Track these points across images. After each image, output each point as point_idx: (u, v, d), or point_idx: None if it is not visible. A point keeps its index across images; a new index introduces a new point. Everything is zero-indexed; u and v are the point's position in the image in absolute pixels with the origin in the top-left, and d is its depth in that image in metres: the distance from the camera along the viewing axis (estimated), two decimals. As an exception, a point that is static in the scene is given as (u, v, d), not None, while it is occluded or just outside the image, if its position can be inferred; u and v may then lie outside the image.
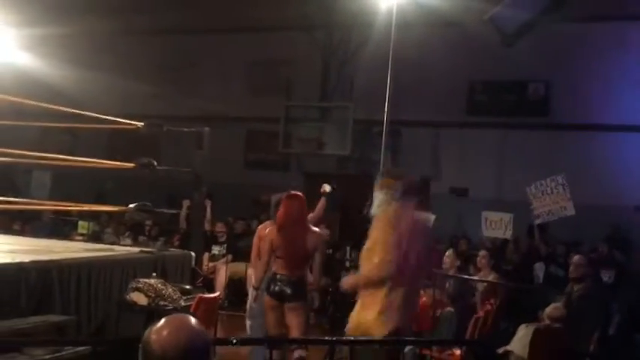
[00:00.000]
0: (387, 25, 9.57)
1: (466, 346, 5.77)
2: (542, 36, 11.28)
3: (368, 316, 4.09)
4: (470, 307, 7.07)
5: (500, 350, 5.11)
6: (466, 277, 7.63)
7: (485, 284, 7.22)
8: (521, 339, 5.01)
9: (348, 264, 8.19)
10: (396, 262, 3.94)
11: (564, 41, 11.68)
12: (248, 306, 5.93)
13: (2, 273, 4.38)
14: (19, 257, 4.99)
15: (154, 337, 1.69)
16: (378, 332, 4.03)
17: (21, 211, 10.78)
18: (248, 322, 5.93)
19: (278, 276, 5.06)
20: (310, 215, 5.86)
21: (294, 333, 5.03)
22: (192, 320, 1.75)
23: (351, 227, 10.72)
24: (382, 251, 4.01)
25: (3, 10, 10.39)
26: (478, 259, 7.88)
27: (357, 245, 8.83)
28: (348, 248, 8.73)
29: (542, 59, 11.76)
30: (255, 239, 6.21)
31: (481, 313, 6.64)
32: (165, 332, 1.69)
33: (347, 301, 8.09)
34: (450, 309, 6.90)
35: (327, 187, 6.98)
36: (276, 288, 5.09)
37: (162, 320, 1.73)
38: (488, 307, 6.80)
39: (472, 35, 11.04)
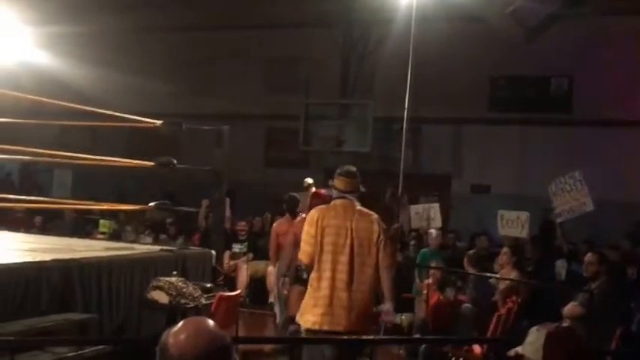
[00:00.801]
0: (407, 20, 9.47)
1: (487, 344, 5.70)
2: (565, 30, 11.13)
3: None
4: (490, 305, 6.99)
5: (512, 353, 5.01)
6: (488, 274, 7.54)
7: (506, 282, 7.12)
8: (532, 343, 4.91)
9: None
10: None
11: (587, 35, 11.49)
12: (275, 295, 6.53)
13: (24, 272, 4.40)
14: (40, 256, 5.02)
15: (171, 340, 1.65)
16: None
17: (43, 210, 10.87)
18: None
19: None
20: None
21: None
22: (211, 323, 1.71)
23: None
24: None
25: (20, 8, 10.47)
26: (500, 256, 7.79)
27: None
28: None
29: (564, 54, 11.58)
30: (273, 235, 6.76)
31: (503, 311, 6.56)
32: (182, 336, 1.65)
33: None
34: (467, 305, 6.82)
35: (308, 180, 7.52)
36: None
37: (180, 323, 1.69)
38: (510, 304, 6.72)
39: (494, 30, 10.91)
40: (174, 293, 5.34)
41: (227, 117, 10.46)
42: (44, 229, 10.30)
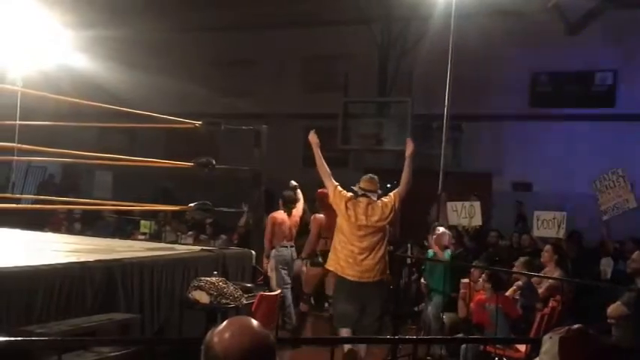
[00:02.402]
0: (446, 16, 9.35)
1: (531, 343, 5.57)
2: (608, 23, 10.85)
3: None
4: (533, 305, 6.83)
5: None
6: (530, 273, 7.36)
7: (550, 280, 6.95)
8: (548, 351, 4.76)
9: (409, 261, 8.01)
10: None
11: (632, 28, 11.18)
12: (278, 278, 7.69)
13: (68, 272, 4.43)
14: (83, 257, 5.05)
15: (215, 339, 1.66)
16: None
17: (84, 211, 11.04)
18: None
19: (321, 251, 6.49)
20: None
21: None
22: (255, 322, 1.71)
23: (412, 224, 10.53)
24: None
25: (61, 12, 10.64)
26: (542, 254, 7.61)
27: (419, 242, 8.67)
28: (409, 245, 8.55)
29: (608, 48, 11.30)
30: (270, 225, 7.77)
31: (546, 310, 6.41)
32: (227, 334, 1.66)
33: (409, 299, 7.99)
34: (491, 301, 6.65)
35: (292, 183, 8.20)
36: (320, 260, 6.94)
37: (224, 322, 1.70)
38: (554, 304, 6.55)
39: (535, 24, 10.71)
40: (215, 293, 5.34)
41: (265, 116, 10.48)
42: (85, 230, 10.47)
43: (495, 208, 12.02)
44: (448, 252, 7.38)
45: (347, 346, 5.64)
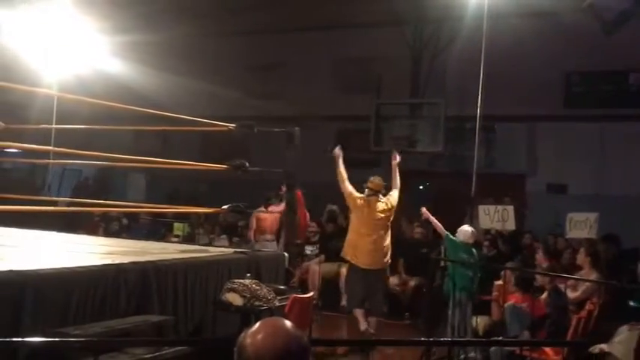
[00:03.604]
0: (478, 17, 9.23)
1: (567, 347, 5.46)
2: (642, 23, 10.59)
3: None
4: (565, 307, 6.70)
5: (596, 350, 4.73)
6: (567, 276, 7.22)
7: (586, 283, 6.82)
8: (623, 342, 4.65)
9: (442, 263, 7.92)
10: None
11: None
12: None
13: (103, 274, 4.47)
14: (118, 259, 5.09)
15: (248, 340, 1.65)
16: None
17: (119, 213, 11.17)
18: None
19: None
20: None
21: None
22: (288, 323, 1.71)
23: (446, 226, 10.42)
24: None
25: (96, 18, 10.81)
26: (578, 256, 7.48)
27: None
28: (442, 248, 8.45)
29: (643, 47, 11.04)
30: (254, 220, 9.06)
31: (583, 314, 6.29)
32: (260, 336, 1.65)
33: (442, 301, 7.90)
34: (510, 303, 6.53)
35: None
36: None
37: (257, 324, 1.70)
38: (590, 307, 6.43)
39: (568, 24, 10.51)
40: (249, 295, 5.33)
41: (296, 119, 10.47)
42: (119, 232, 10.58)
43: (529, 210, 11.84)
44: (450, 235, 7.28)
45: (363, 326, 6.80)
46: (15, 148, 8.28)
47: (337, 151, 7.47)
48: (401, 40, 12.73)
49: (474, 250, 7.30)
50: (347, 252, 7.26)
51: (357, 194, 7.18)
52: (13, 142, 6.48)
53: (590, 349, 4.61)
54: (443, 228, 7.36)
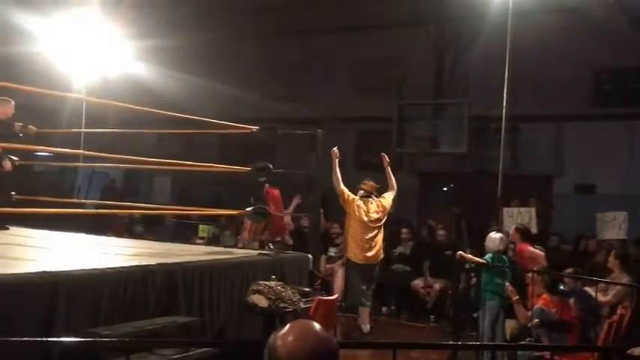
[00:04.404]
0: (501, 14, 9.16)
1: (600, 352, 5.37)
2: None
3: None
4: (596, 311, 6.60)
5: (635, 352, 4.65)
6: (598, 279, 7.11)
7: (617, 287, 6.69)
8: None
9: (468, 265, 7.86)
10: None
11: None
12: None
13: (131, 275, 4.52)
14: (145, 260, 5.15)
15: (279, 342, 1.67)
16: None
17: (145, 216, 11.28)
18: None
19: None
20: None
21: None
22: (317, 325, 1.72)
23: (471, 228, 10.36)
24: None
25: (121, 24, 10.97)
26: (609, 259, 7.34)
27: (477, 246, 8.48)
28: (467, 250, 8.38)
29: (673, 43, 10.83)
30: (247, 220, 8.79)
31: (615, 318, 6.18)
32: (290, 338, 1.67)
33: (468, 304, 7.84)
34: (538, 306, 6.45)
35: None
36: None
37: (287, 326, 1.71)
38: (622, 311, 6.31)
39: (596, 20, 10.37)
40: (274, 297, 5.35)
41: (318, 121, 10.48)
42: (146, 234, 10.68)
43: (557, 211, 11.69)
44: (489, 255, 7.19)
45: (365, 328, 7.67)
46: (46, 152, 8.44)
47: (335, 150, 7.68)
48: (423, 40, 12.67)
49: (504, 257, 7.23)
50: (344, 250, 8.04)
51: (352, 195, 7.74)
52: (45, 145, 6.60)
53: (629, 351, 4.53)
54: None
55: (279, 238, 9.10)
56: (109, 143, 9.68)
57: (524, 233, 7.66)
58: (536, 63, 10.89)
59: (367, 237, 7.66)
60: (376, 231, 7.73)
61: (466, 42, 12.36)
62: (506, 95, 8.66)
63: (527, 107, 11.11)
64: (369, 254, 7.69)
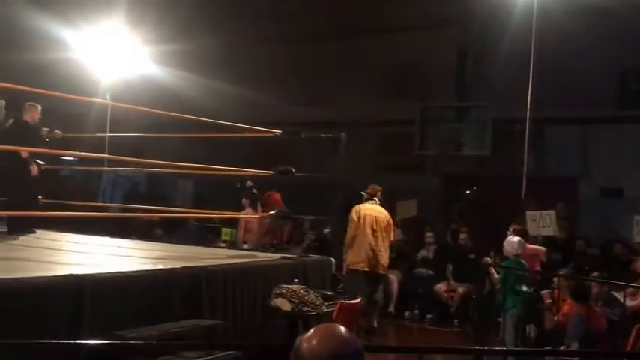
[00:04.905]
0: (525, 16, 9.09)
1: (630, 358, 5.28)
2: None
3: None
4: (624, 316, 6.49)
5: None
6: (625, 283, 7.00)
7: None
8: None
9: (493, 269, 7.77)
10: None
11: None
12: None
13: (157, 279, 4.56)
14: (170, 263, 5.18)
15: (304, 345, 1.66)
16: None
17: (168, 219, 11.36)
18: None
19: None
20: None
21: None
22: (343, 329, 1.71)
23: (494, 230, 10.25)
24: None
25: (143, 30, 11.09)
26: (637, 264, 7.26)
27: (502, 249, 8.39)
28: (492, 253, 8.30)
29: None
30: (242, 221, 9.53)
31: (644, 323, 6.06)
32: (316, 341, 1.66)
33: (491, 308, 7.76)
34: (575, 311, 6.35)
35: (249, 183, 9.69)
36: None
37: (313, 329, 1.71)
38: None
39: (622, 20, 10.22)
40: (297, 301, 5.35)
41: (340, 124, 10.48)
42: (169, 238, 10.75)
43: (583, 215, 11.52)
44: (508, 260, 7.10)
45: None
46: (72, 156, 8.56)
47: None
48: (446, 43, 12.60)
49: (522, 261, 7.15)
50: (345, 257, 7.73)
51: (358, 212, 7.62)
52: (71, 150, 6.69)
53: None
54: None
55: (276, 241, 9.70)
56: (134, 147, 9.79)
57: (521, 233, 7.57)
58: (560, 64, 10.75)
59: (368, 244, 7.51)
60: (380, 240, 7.58)
61: (490, 44, 12.26)
62: (531, 97, 8.57)
63: (552, 109, 10.98)
64: (371, 262, 7.50)
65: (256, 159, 9.54)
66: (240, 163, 9.42)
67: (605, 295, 6.90)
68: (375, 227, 7.51)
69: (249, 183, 9.76)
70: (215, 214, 10.07)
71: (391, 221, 7.73)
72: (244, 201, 9.86)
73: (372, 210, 7.59)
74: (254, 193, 9.73)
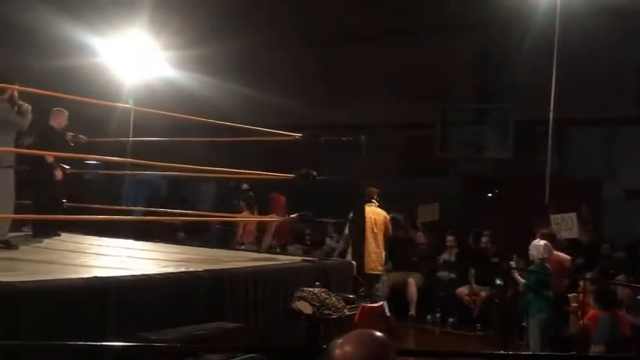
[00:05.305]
0: (547, 17, 9.01)
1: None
2: None
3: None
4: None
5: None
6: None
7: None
8: None
9: (516, 272, 7.71)
10: None
11: None
12: None
13: (180, 281, 4.59)
14: (192, 266, 5.22)
15: (338, 351, 1.67)
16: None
17: (190, 222, 11.43)
18: None
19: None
20: None
21: None
22: (377, 334, 1.72)
23: (516, 233, 10.16)
24: None
25: (165, 35, 11.20)
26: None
27: (524, 252, 8.32)
28: (514, 256, 8.23)
29: None
30: (241, 223, 9.82)
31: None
32: (349, 347, 1.66)
33: (515, 312, 7.69)
34: (604, 315, 6.26)
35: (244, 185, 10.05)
36: None
37: (346, 335, 1.71)
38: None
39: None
40: (318, 304, 5.33)
41: (361, 127, 10.44)
42: (190, 241, 10.82)
43: (607, 217, 11.38)
44: (534, 264, 7.01)
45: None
46: (96, 161, 8.66)
47: None
48: (467, 45, 12.53)
49: (547, 266, 7.07)
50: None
51: None
52: (94, 154, 6.78)
53: None
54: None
55: (284, 241, 10.06)
56: (156, 151, 9.86)
57: (548, 237, 7.49)
58: (583, 65, 10.63)
59: (375, 245, 7.70)
60: (377, 241, 7.77)
61: (511, 46, 12.15)
62: (554, 98, 8.49)
63: (575, 110, 10.85)
64: (369, 260, 7.57)
65: (276, 162, 9.60)
66: (260, 166, 9.48)
67: (632, 299, 6.81)
68: (375, 230, 7.68)
69: (245, 186, 10.16)
70: (235, 218, 10.11)
71: (387, 220, 7.93)
72: (242, 203, 10.19)
73: (371, 212, 7.72)
74: (250, 196, 10.06)
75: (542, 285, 6.86)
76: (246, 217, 9.91)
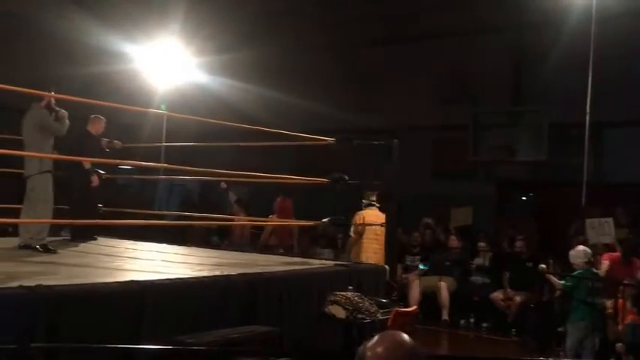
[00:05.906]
0: (582, 18, 8.87)
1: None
2: None
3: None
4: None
5: None
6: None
7: None
8: None
9: (552, 276, 7.56)
10: None
11: None
12: None
13: (215, 285, 4.63)
14: (226, 270, 5.26)
15: (369, 354, 1.66)
16: None
17: (222, 227, 11.53)
18: None
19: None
20: None
21: None
22: (407, 337, 1.71)
23: (552, 237, 10.02)
24: None
25: (198, 40, 11.32)
26: None
27: (560, 256, 8.19)
28: (550, 261, 8.09)
29: None
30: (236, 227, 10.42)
31: None
32: (380, 350, 1.66)
33: (551, 317, 7.56)
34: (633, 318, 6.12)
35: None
36: None
37: (376, 337, 1.71)
38: None
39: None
40: (351, 308, 5.33)
41: (393, 131, 10.41)
42: (224, 245, 10.90)
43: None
44: (578, 272, 6.87)
45: None
46: (132, 166, 8.80)
47: None
48: (500, 46, 12.37)
49: (594, 270, 6.94)
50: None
51: (358, 218, 8.16)
52: (128, 159, 6.89)
53: None
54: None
55: (292, 243, 10.10)
56: (188, 156, 9.98)
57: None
58: (619, 66, 10.42)
59: (372, 246, 7.95)
60: (379, 243, 7.85)
61: (545, 47, 11.98)
62: (590, 100, 8.35)
63: (611, 112, 10.63)
64: (377, 257, 7.74)
65: (307, 166, 9.61)
66: (292, 170, 9.51)
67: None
68: (377, 232, 7.82)
69: (233, 197, 10.75)
70: (269, 222, 10.17)
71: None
72: (236, 207, 10.57)
73: (373, 216, 7.96)
74: (242, 200, 10.66)
75: (589, 292, 6.72)
76: (281, 221, 9.92)
